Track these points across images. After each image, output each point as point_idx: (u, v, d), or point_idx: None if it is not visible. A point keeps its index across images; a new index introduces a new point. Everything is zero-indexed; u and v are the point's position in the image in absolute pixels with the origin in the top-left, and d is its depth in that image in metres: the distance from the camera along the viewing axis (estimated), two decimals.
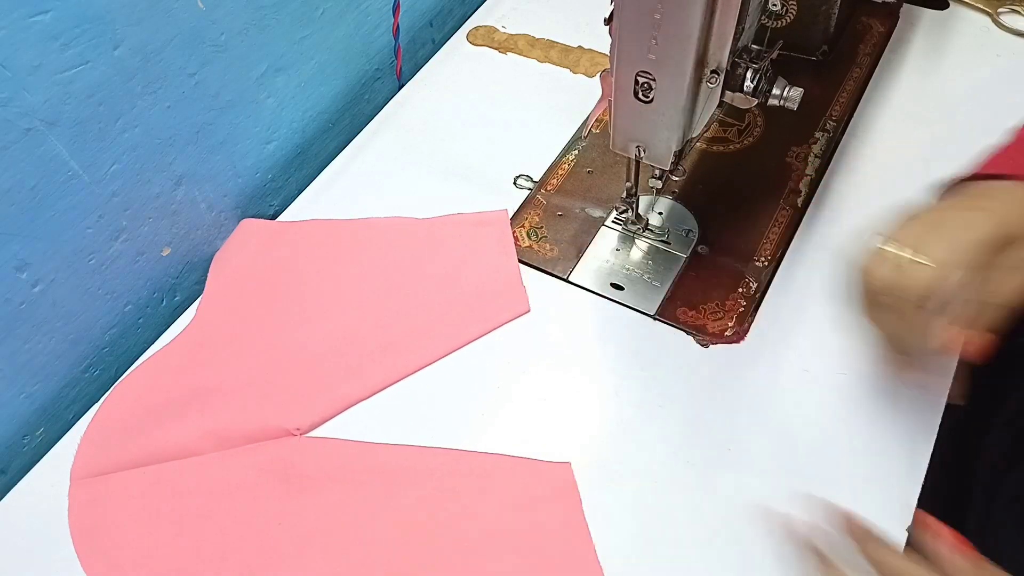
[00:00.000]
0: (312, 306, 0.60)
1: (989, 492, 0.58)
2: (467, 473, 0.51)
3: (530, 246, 0.62)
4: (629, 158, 0.55)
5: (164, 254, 0.62)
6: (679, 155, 0.53)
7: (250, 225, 0.66)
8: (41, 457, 0.55)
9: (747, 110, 0.69)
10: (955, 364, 0.52)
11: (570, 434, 0.52)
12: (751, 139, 0.68)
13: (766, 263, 0.59)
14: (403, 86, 0.76)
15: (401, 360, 0.57)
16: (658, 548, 0.48)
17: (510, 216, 0.64)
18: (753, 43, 0.51)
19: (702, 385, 0.54)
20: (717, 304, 0.58)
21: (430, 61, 0.78)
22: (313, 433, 0.54)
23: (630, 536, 0.48)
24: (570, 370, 0.56)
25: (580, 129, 0.70)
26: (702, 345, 0.56)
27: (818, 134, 0.67)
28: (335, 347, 0.58)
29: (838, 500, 0.48)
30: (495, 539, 0.49)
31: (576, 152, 0.69)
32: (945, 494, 0.61)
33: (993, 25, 0.74)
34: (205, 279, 0.64)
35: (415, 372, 0.56)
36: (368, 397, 0.55)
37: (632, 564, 0.47)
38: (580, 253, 0.62)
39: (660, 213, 0.63)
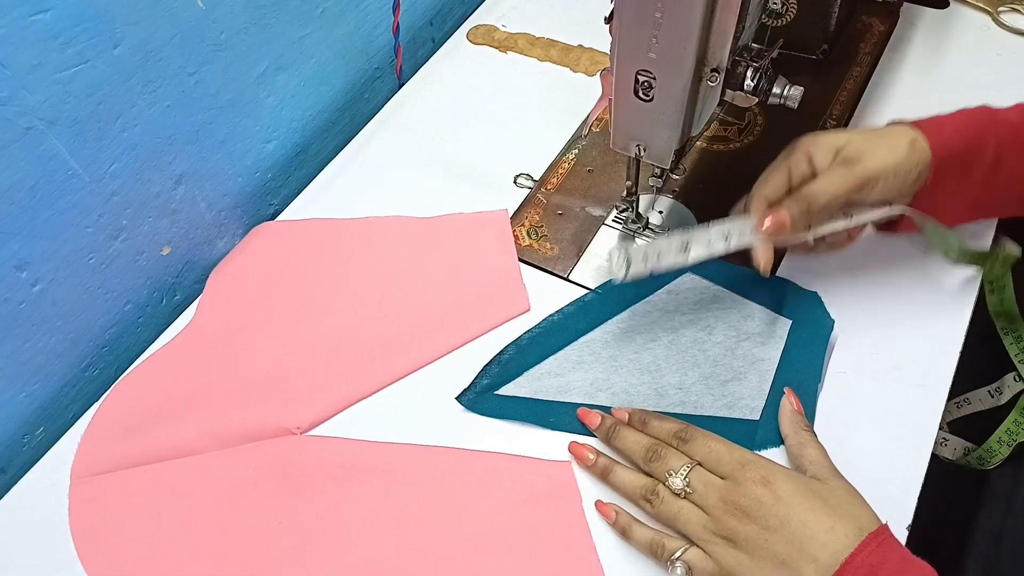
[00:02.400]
0: (312, 305, 0.60)
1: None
2: (467, 472, 0.51)
3: (530, 245, 0.62)
4: (629, 157, 0.55)
5: (164, 253, 0.62)
6: (679, 154, 0.53)
7: (261, 229, 0.66)
8: (41, 456, 0.55)
9: (747, 109, 0.69)
10: None
11: (569, 435, 0.52)
12: (751, 138, 0.68)
13: None
14: (403, 85, 0.76)
15: (401, 358, 0.57)
16: None
17: (510, 215, 0.64)
18: (753, 42, 0.51)
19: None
20: None
21: (430, 60, 0.78)
22: (313, 432, 0.54)
23: None
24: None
25: (580, 128, 0.70)
26: None
27: None
28: (335, 346, 0.58)
29: None
30: (495, 538, 0.49)
31: (576, 151, 0.69)
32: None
33: (993, 24, 0.74)
34: (205, 278, 0.64)
35: (415, 370, 0.56)
36: (368, 396, 0.55)
37: (632, 562, 0.47)
38: (580, 252, 0.62)
39: (660, 212, 0.63)
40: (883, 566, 0.39)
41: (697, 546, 0.44)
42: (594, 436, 0.52)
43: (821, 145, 0.52)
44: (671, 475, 0.45)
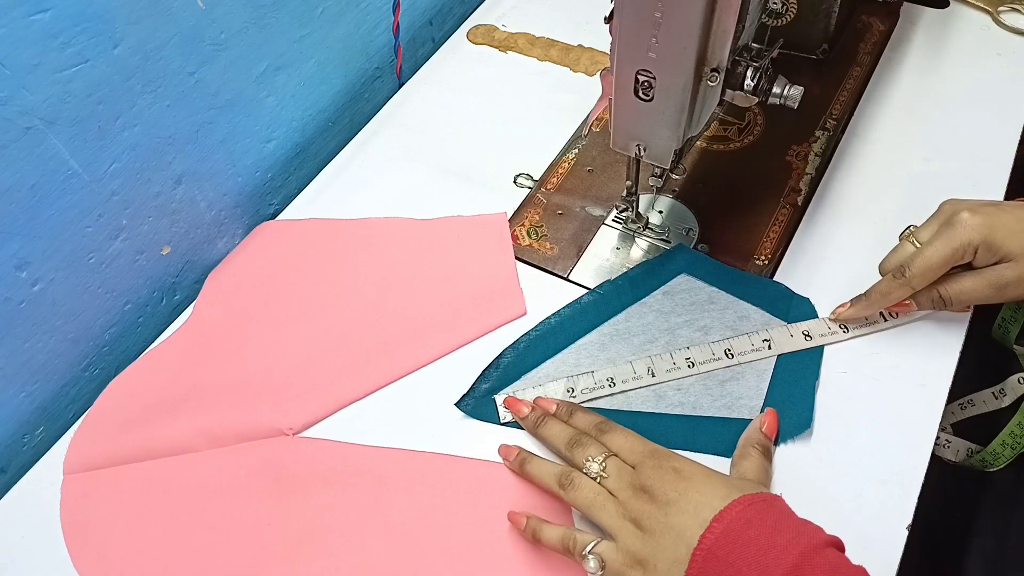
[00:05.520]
0: (308, 305, 0.60)
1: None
2: (458, 479, 0.51)
3: (530, 245, 0.62)
4: (629, 157, 0.55)
5: (164, 253, 0.62)
6: (679, 154, 0.53)
7: (263, 228, 0.66)
8: (41, 456, 0.55)
9: (747, 109, 0.69)
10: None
11: None
12: (751, 138, 0.68)
13: (766, 262, 0.59)
14: (403, 85, 0.76)
15: (396, 361, 0.57)
16: None
17: (510, 215, 0.64)
18: (753, 41, 0.51)
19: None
20: None
21: (430, 60, 0.78)
22: (306, 433, 0.54)
23: None
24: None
25: (580, 128, 0.70)
26: None
27: (818, 133, 0.67)
28: (330, 347, 0.58)
29: (839, 500, 0.48)
30: (485, 545, 0.48)
31: (576, 151, 0.69)
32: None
33: (993, 24, 0.74)
34: (205, 278, 0.63)
35: (410, 373, 0.56)
36: (362, 398, 0.55)
37: None
38: (580, 252, 0.62)
39: (660, 212, 0.63)
40: (752, 522, 0.40)
41: (608, 537, 0.44)
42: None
43: (989, 248, 0.49)
44: (589, 461, 0.46)
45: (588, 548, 0.44)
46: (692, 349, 0.54)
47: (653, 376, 0.53)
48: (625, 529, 0.43)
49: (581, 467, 0.47)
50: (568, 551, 0.45)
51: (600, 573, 0.43)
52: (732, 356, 0.53)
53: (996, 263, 0.49)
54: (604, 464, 0.46)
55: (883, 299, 0.52)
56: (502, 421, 0.53)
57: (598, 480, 0.46)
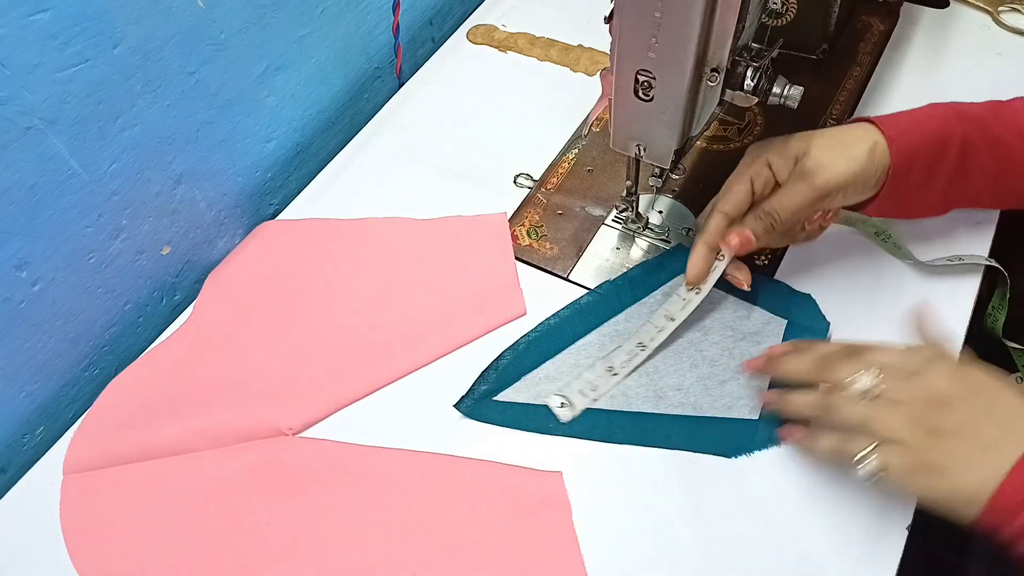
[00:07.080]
0: (308, 305, 0.60)
1: None
2: (457, 479, 0.51)
3: (530, 245, 0.62)
4: (629, 156, 0.55)
5: (164, 253, 0.62)
6: (679, 154, 0.53)
7: (263, 228, 0.66)
8: (41, 456, 0.55)
9: (747, 108, 0.69)
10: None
11: (563, 443, 0.52)
12: (751, 137, 0.68)
13: (766, 261, 0.59)
14: (403, 85, 0.76)
15: (396, 361, 0.57)
16: (647, 561, 0.47)
17: (510, 215, 0.64)
18: (753, 41, 0.51)
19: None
20: None
21: (430, 60, 0.78)
22: (306, 433, 0.54)
23: (619, 548, 0.48)
24: None
25: (580, 127, 0.70)
26: None
27: None
28: (330, 347, 0.58)
29: (839, 500, 0.48)
30: (483, 546, 0.48)
31: (576, 151, 0.69)
32: None
33: (993, 24, 0.74)
34: (205, 278, 0.64)
35: (410, 373, 0.56)
36: (362, 398, 0.55)
37: (619, 574, 0.47)
38: (580, 252, 0.62)
39: (660, 212, 0.63)
40: None
41: (890, 442, 0.42)
42: (568, 436, 0.52)
43: (780, 154, 0.52)
44: (861, 374, 0.44)
45: (865, 451, 0.42)
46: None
47: (672, 320, 0.54)
48: (916, 436, 0.41)
49: (843, 387, 0.44)
50: (841, 458, 0.43)
51: (878, 478, 0.42)
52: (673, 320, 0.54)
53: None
54: (880, 375, 0.43)
55: (713, 233, 0.53)
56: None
57: (876, 393, 0.43)
